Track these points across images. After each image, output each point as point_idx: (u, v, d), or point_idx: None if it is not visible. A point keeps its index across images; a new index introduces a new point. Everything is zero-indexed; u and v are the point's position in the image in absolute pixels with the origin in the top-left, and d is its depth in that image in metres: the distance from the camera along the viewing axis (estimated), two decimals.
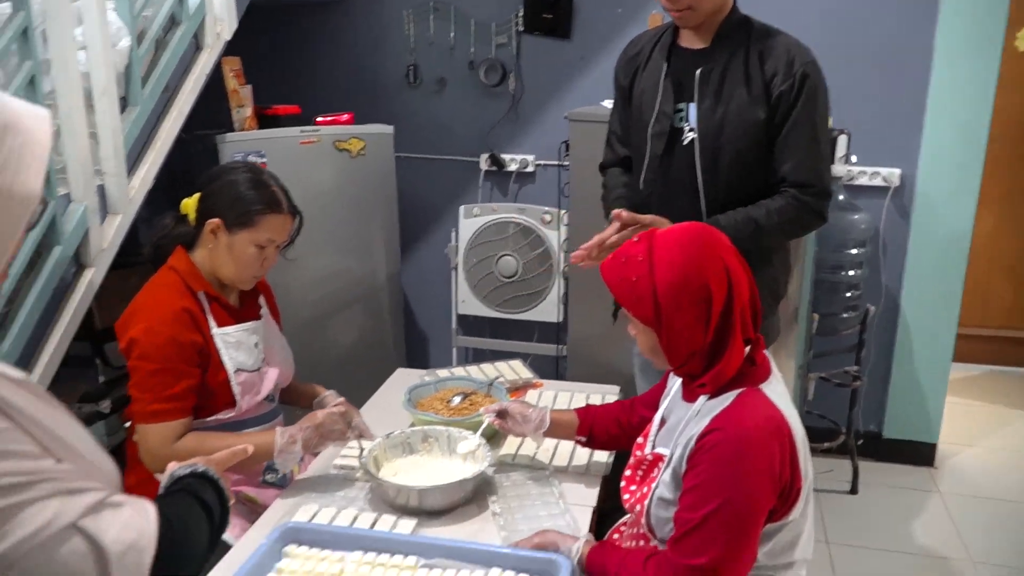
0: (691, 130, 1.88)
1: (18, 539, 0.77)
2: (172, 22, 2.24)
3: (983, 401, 3.89)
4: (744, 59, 1.83)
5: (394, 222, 3.22)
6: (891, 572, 2.67)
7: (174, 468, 1.16)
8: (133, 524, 0.89)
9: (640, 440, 1.55)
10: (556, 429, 1.78)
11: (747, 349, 1.38)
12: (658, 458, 1.44)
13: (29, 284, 1.84)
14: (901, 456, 3.32)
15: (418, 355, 3.70)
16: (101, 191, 2.03)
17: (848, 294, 2.93)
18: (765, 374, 1.39)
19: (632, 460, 1.53)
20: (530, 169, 3.42)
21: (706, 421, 1.33)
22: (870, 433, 3.34)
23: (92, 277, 1.99)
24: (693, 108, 1.87)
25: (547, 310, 3.22)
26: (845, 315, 2.94)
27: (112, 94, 1.97)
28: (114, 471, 0.98)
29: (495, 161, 3.40)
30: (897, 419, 3.31)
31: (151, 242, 1.91)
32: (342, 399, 1.96)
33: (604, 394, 2.27)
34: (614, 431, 1.77)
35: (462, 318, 3.42)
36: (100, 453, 0.96)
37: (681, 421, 1.41)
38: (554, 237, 3.15)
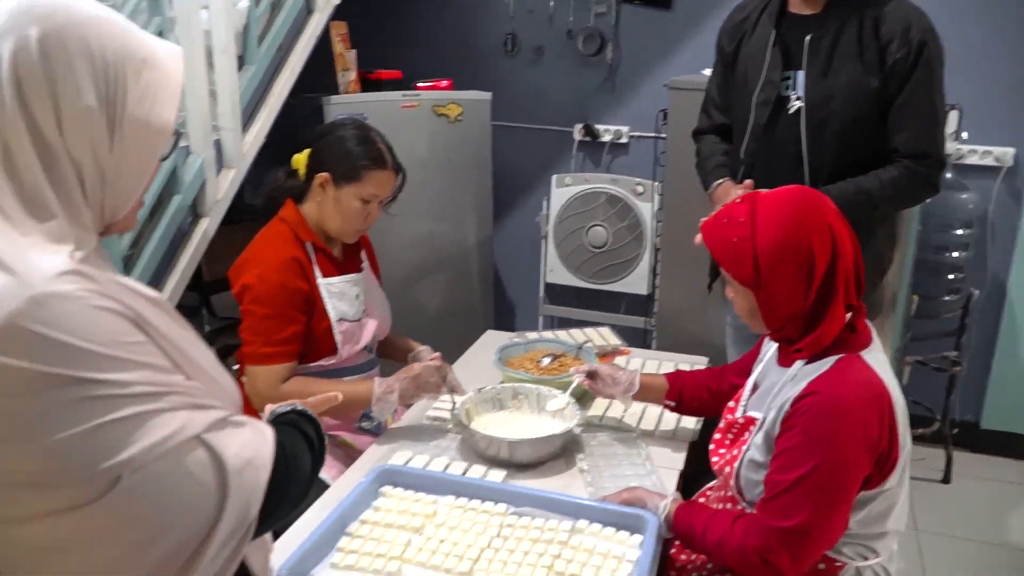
0: (798, 99, 1.85)
1: (147, 445, 0.81)
2: None
3: None
4: (858, 25, 1.78)
5: (487, 188, 3.28)
6: (982, 564, 2.59)
7: (273, 407, 1.21)
8: (252, 443, 0.94)
9: (731, 404, 1.56)
10: (645, 392, 1.79)
11: (848, 316, 1.36)
12: (749, 421, 1.44)
13: (151, 231, 1.96)
14: (999, 448, 3.20)
15: (505, 321, 3.75)
16: (217, 145, 2.13)
17: (951, 276, 2.84)
18: (866, 341, 1.38)
19: (722, 423, 1.54)
20: (624, 140, 3.41)
21: (802, 385, 1.32)
22: (967, 423, 3.23)
23: (207, 227, 2.10)
24: (801, 76, 1.83)
25: (636, 282, 3.22)
26: (947, 298, 2.85)
27: (231, 52, 2.06)
28: (236, 393, 1.04)
29: (589, 131, 3.40)
30: (997, 409, 3.19)
31: (263, 194, 2.01)
32: (438, 354, 2.02)
33: (692, 364, 2.27)
34: (704, 397, 1.77)
35: (550, 287, 3.45)
36: (224, 375, 1.01)
37: (776, 385, 1.40)
38: (646, 209, 3.14)
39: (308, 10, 2.44)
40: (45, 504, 0.78)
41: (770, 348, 1.54)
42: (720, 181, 1.95)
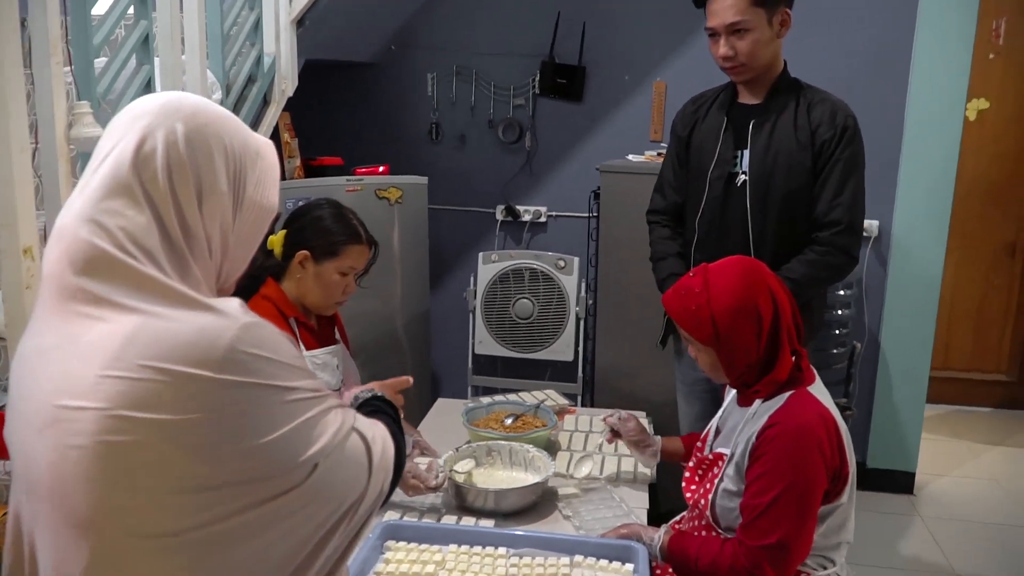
0: (744, 173, 2.14)
1: (330, 435, 0.97)
2: (250, 79, 2.48)
3: (951, 437, 4.21)
4: (794, 112, 2.11)
5: (424, 266, 3.47)
6: None
7: (355, 392, 1.38)
8: (380, 431, 1.12)
9: (699, 444, 1.80)
10: (665, 456, 2.02)
11: (793, 359, 1.63)
12: (718, 456, 1.68)
13: None
14: (883, 484, 3.59)
15: (435, 392, 3.89)
16: None
17: (837, 331, 3.24)
18: (811, 379, 1.65)
19: (692, 462, 1.77)
20: (543, 219, 3.70)
21: (764, 419, 1.57)
22: (856, 463, 3.61)
23: None
24: (747, 154, 2.14)
25: (561, 350, 3.46)
26: (835, 351, 3.24)
27: None
28: None
29: (510, 212, 3.68)
30: (879, 450, 3.60)
31: (243, 274, 2.11)
32: (409, 427, 2.11)
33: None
34: None
35: (477, 358, 3.64)
36: None
37: (739, 423, 1.65)
38: (568, 281, 3.41)
39: (265, 102, 2.60)
40: (255, 495, 0.90)
41: (730, 395, 1.79)
42: None
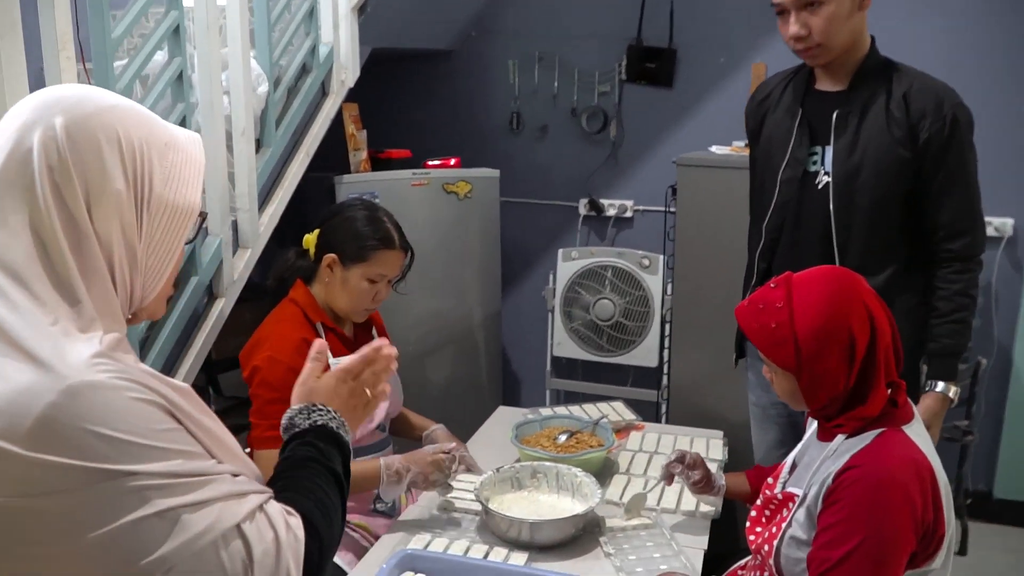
0: (826, 174, 1.85)
1: (181, 542, 0.78)
2: (303, 70, 2.39)
3: None
4: (886, 101, 1.79)
5: (496, 264, 3.32)
6: None
7: (290, 413, 1.11)
8: (290, 533, 0.90)
9: (770, 481, 1.54)
10: (730, 492, 1.78)
11: (889, 391, 1.36)
12: (788, 497, 1.42)
13: (167, 312, 1.96)
14: (1013, 518, 3.17)
15: (512, 396, 3.75)
16: (234, 226, 2.15)
17: None
18: (908, 416, 1.37)
19: (760, 500, 1.52)
20: (628, 214, 3.47)
21: (844, 459, 1.31)
22: (979, 492, 3.21)
23: (223, 307, 2.11)
24: (829, 151, 1.83)
25: (644, 355, 3.23)
26: None
27: (250, 136, 2.10)
28: (261, 477, 0.98)
29: (594, 206, 3.47)
30: (1009, 478, 3.17)
31: (274, 275, 2.02)
32: (454, 444, 1.97)
33: (708, 438, 2.26)
34: None
35: (556, 360, 3.46)
36: (251, 465, 0.97)
37: (816, 460, 1.39)
38: (653, 282, 3.17)
39: (323, 93, 2.50)
40: None
41: (812, 426, 1.52)
42: None
